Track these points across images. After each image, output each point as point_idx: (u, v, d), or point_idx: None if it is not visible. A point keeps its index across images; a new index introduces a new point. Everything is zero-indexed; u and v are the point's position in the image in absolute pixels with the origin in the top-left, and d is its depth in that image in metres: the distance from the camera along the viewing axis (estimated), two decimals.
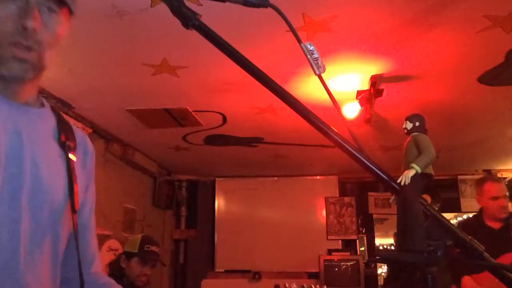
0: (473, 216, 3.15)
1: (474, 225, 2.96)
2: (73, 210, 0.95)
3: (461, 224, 3.19)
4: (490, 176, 3.40)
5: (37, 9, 0.86)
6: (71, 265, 0.97)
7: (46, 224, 0.90)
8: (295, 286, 1.13)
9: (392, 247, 5.72)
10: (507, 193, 2.92)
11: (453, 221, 5.79)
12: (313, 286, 1.12)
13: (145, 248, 2.64)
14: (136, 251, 2.62)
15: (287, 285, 1.13)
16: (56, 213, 0.92)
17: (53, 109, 1.02)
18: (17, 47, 0.85)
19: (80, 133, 1.07)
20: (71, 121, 3.74)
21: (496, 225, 2.89)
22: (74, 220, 0.95)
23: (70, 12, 0.94)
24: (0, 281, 0.81)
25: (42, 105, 0.99)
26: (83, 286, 0.93)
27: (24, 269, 0.84)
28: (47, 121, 0.98)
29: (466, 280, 2.70)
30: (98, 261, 1.11)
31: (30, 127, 0.91)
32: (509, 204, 3.03)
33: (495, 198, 2.89)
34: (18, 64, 0.86)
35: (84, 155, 1.06)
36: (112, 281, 1.12)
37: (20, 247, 0.84)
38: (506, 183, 5.56)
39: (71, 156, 0.98)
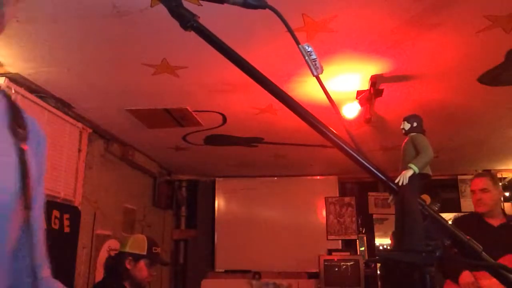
0: (472, 212, 3.16)
1: (472, 221, 2.95)
2: (27, 206, 0.82)
3: (459, 220, 3.18)
4: (478, 173, 3.47)
5: None
6: (19, 270, 0.84)
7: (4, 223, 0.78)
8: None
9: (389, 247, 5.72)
10: (487, 188, 2.93)
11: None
12: None
13: (153, 251, 2.65)
14: (145, 253, 2.62)
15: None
16: (5, 210, 0.79)
17: (2, 91, 0.90)
18: None
19: (31, 119, 0.94)
20: (71, 121, 3.70)
21: (495, 222, 2.88)
22: (27, 218, 0.83)
23: None
24: None
25: None
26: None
27: None
28: None
29: (465, 274, 2.69)
30: (47, 265, 0.97)
31: None
32: (508, 204, 3.04)
33: (472, 192, 2.99)
34: None
35: (37, 144, 0.93)
36: (62, 286, 0.98)
37: None
38: (506, 183, 5.56)
39: (22, 145, 0.85)
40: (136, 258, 2.60)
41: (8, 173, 0.81)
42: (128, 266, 2.59)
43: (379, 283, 5.54)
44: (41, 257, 0.93)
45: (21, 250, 0.85)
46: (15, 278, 0.85)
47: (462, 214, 3.43)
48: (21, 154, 0.84)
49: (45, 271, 0.94)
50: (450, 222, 3.50)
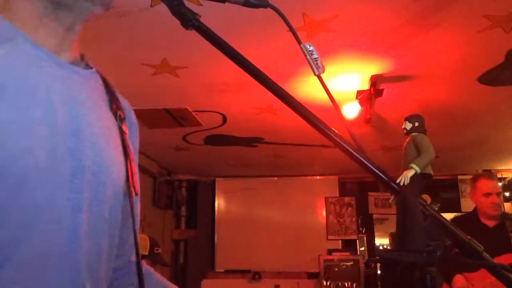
0: (468, 213, 3.14)
1: (468, 222, 2.94)
2: (130, 192, 0.78)
3: (455, 221, 3.16)
4: (484, 173, 3.38)
5: None
6: (122, 254, 0.82)
7: (109, 209, 0.73)
8: None
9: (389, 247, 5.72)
10: (501, 191, 2.90)
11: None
12: None
13: (155, 251, 2.67)
14: (147, 253, 2.64)
15: None
16: (117, 194, 0.75)
17: (96, 71, 0.83)
18: None
19: (125, 101, 0.89)
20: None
21: (490, 223, 2.87)
22: (131, 203, 0.78)
23: None
24: (59, 274, 0.63)
25: (88, 65, 0.81)
26: (141, 274, 0.78)
27: (85, 263, 0.68)
28: (97, 85, 0.80)
29: (458, 279, 2.70)
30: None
31: (83, 92, 0.73)
32: (508, 204, 3.02)
33: (487, 194, 2.86)
34: None
35: (131, 127, 0.88)
36: (151, 268, 0.98)
37: (80, 236, 0.66)
38: (506, 183, 5.56)
39: (124, 128, 0.80)
40: None
41: (118, 156, 0.75)
42: None
43: (379, 283, 5.54)
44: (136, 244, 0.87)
45: (124, 235, 0.83)
46: (119, 259, 0.83)
47: (460, 214, 3.37)
48: (123, 137, 0.79)
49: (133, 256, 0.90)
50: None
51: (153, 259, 2.65)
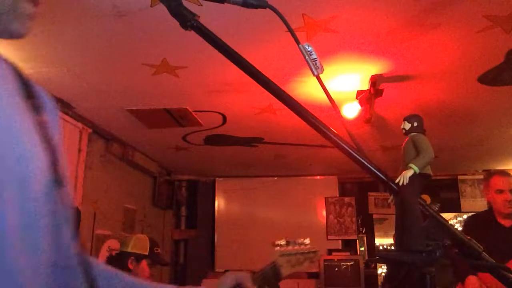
0: (484, 211, 3.05)
1: (484, 221, 2.84)
2: (60, 184, 0.73)
3: (471, 219, 3.08)
4: (497, 170, 3.27)
5: None
6: (60, 248, 0.77)
7: (33, 205, 0.69)
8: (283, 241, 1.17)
9: (392, 247, 5.71)
10: None
11: (453, 221, 5.79)
12: (301, 241, 1.18)
13: (155, 251, 2.67)
14: (147, 253, 2.63)
15: (277, 242, 1.18)
16: (41, 189, 0.71)
17: (6, 61, 0.80)
18: (34, 4, 0.75)
19: (39, 88, 0.84)
20: (71, 121, 3.69)
21: (507, 223, 2.78)
22: (61, 196, 0.74)
23: None
24: None
25: None
26: (85, 264, 0.74)
27: (15, 260, 0.65)
28: (6, 74, 0.77)
29: (471, 279, 2.65)
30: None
31: None
32: None
33: (500, 191, 2.78)
34: (29, 21, 0.75)
35: (52, 115, 0.83)
36: (94, 258, 0.94)
37: (7, 236, 0.63)
38: None
39: (43, 117, 0.76)
40: (139, 258, 2.61)
41: (35, 145, 0.71)
42: (131, 266, 2.59)
43: (383, 283, 5.54)
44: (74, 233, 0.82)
45: (60, 226, 0.76)
46: (59, 253, 0.78)
47: (476, 213, 3.25)
48: (43, 127, 0.75)
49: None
50: (464, 221, 3.34)
51: (153, 259, 2.65)
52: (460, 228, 5.93)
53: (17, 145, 0.68)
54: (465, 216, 5.93)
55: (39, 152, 0.71)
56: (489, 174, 2.99)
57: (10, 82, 0.76)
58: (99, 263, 0.96)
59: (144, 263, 2.60)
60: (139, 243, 2.67)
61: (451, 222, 4.90)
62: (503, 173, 2.94)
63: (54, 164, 0.73)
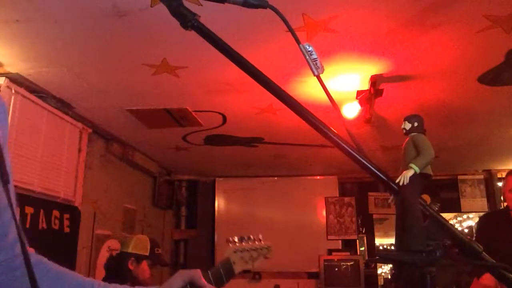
0: (500, 210, 3.04)
1: (498, 220, 2.83)
2: (4, 180, 0.73)
3: (485, 217, 3.06)
4: None
5: None
6: (3, 248, 0.78)
7: None
8: (235, 238, 1.19)
9: (392, 247, 5.71)
10: None
11: (453, 221, 5.80)
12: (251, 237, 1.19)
13: (155, 251, 2.66)
14: (148, 254, 2.63)
15: (231, 239, 1.19)
16: None
17: None
18: None
19: None
20: (71, 121, 3.69)
21: None
22: (6, 191, 0.73)
23: None
24: None
25: None
26: (29, 264, 0.71)
27: None
28: None
29: (486, 277, 2.64)
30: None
31: None
32: None
33: (511, 190, 2.79)
34: None
35: None
36: (43, 257, 0.92)
37: None
38: None
39: None
40: (139, 258, 2.61)
41: None
42: (131, 267, 2.59)
43: (387, 283, 5.54)
44: (13, 233, 0.82)
45: (4, 224, 0.77)
46: (2, 253, 0.79)
47: (492, 211, 3.22)
48: None
49: (18, 248, 0.84)
50: (479, 219, 3.32)
51: (154, 259, 2.65)
52: (465, 225, 5.91)
53: None
54: (465, 216, 5.95)
55: None
56: (508, 172, 2.98)
57: None
58: (48, 263, 0.93)
59: (144, 264, 2.60)
60: (139, 244, 2.66)
61: (451, 222, 4.90)
62: None
63: None
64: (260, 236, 1.25)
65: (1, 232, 0.78)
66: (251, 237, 1.24)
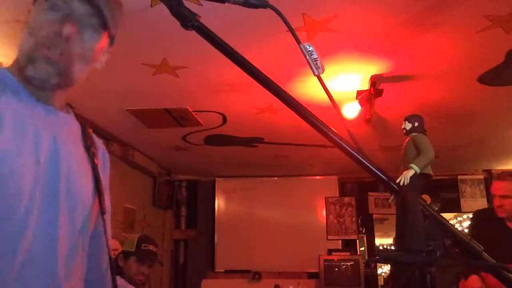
0: (488, 209, 3.04)
1: (491, 219, 2.81)
2: (102, 212, 0.97)
3: (480, 214, 3.07)
4: (499, 174, 3.25)
5: (78, 22, 0.88)
6: (93, 267, 0.99)
7: (80, 227, 0.92)
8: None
9: (392, 247, 5.71)
10: (509, 194, 2.73)
11: (453, 221, 5.79)
12: None
13: (142, 247, 2.64)
14: (134, 250, 2.62)
15: None
16: (86, 215, 0.94)
17: (76, 115, 1.06)
18: (48, 48, 0.86)
19: (98, 140, 1.12)
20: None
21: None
22: (103, 221, 0.97)
23: (110, 36, 1.02)
24: (38, 282, 0.81)
25: (68, 112, 1.02)
26: (115, 285, 0.97)
27: (63, 275, 0.85)
28: (74, 126, 1.02)
29: (473, 279, 2.66)
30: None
31: (62, 131, 0.94)
32: None
33: (493, 196, 2.83)
34: (45, 65, 0.86)
35: (103, 160, 1.11)
36: (129, 286, 1.19)
37: (58, 251, 0.85)
38: None
39: (96, 161, 1.02)
40: (126, 255, 2.63)
41: (87, 182, 0.97)
42: (121, 264, 2.60)
43: (387, 283, 5.53)
44: (107, 258, 1.06)
45: (96, 251, 1.01)
46: (92, 273, 1.01)
47: (484, 208, 3.21)
48: (95, 167, 1.00)
49: (109, 272, 1.09)
50: (472, 215, 3.34)
51: (140, 255, 2.61)
52: (465, 225, 5.91)
53: (78, 180, 0.94)
54: (465, 216, 5.94)
55: (89, 187, 0.97)
56: (493, 176, 3.00)
57: (77, 132, 1.02)
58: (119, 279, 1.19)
59: (131, 260, 2.61)
60: (128, 241, 2.71)
61: (451, 222, 4.88)
62: (501, 177, 2.94)
63: (99, 196, 0.99)
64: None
65: (96, 254, 1.02)
66: None
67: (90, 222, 0.97)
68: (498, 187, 2.82)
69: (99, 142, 1.11)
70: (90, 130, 1.09)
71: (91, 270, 1.00)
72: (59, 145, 0.90)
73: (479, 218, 3.05)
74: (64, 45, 0.87)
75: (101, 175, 1.03)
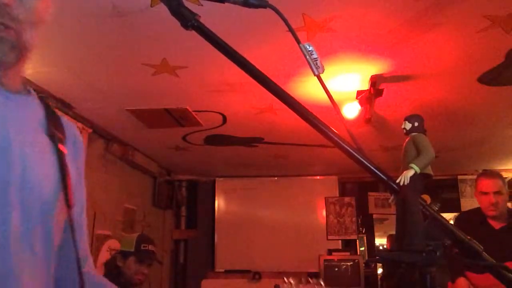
0: (474, 210, 3.04)
1: (475, 220, 2.83)
2: (68, 205, 0.86)
3: (462, 216, 3.08)
4: (485, 171, 3.24)
5: None
6: (65, 264, 0.90)
7: (37, 222, 0.83)
8: (292, 281, 1.12)
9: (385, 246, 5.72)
10: (501, 190, 2.78)
11: (453, 221, 5.78)
12: (310, 281, 1.11)
13: (141, 247, 2.64)
14: (133, 250, 2.62)
15: (286, 281, 1.11)
16: (47, 209, 0.84)
17: (40, 98, 0.94)
18: None
19: (69, 123, 0.99)
20: (72, 121, 3.72)
21: (496, 225, 2.79)
22: (69, 215, 0.87)
23: None
24: None
25: (29, 92, 0.91)
26: (83, 285, 0.86)
27: (18, 271, 0.77)
28: (34, 110, 0.90)
29: (460, 281, 2.66)
30: (90, 260, 1.05)
31: (16, 116, 0.83)
32: (508, 204, 2.91)
33: (483, 193, 2.81)
34: None
35: (74, 146, 0.98)
36: (106, 280, 1.06)
37: (10, 246, 0.76)
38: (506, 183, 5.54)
39: (61, 148, 0.89)
40: (125, 255, 2.62)
41: (48, 173, 0.85)
42: (119, 264, 2.60)
43: (381, 283, 5.54)
44: (84, 252, 0.98)
45: (66, 246, 0.90)
46: (62, 270, 0.91)
47: (466, 211, 3.23)
48: (60, 156, 0.88)
49: (88, 266, 1.01)
50: (453, 219, 3.35)
51: (140, 255, 2.62)
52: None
53: (37, 171, 0.82)
54: None
55: (52, 178, 0.85)
56: (478, 174, 3.01)
57: (37, 116, 0.90)
58: (99, 278, 1.07)
59: (130, 260, 2.61)
60: (126, 241, 2.70)
61: (451, 222, 4.89)
62: (490, 175, 2.92)
63: (64, 188, 0.86)
64: (321, 280, 1.13)
65: (64, 249, 0.92)
66: (311, 280, 1.14)
67: (57, 216, 0.86)
68: (490, 184, 2.80)
69: (70, 126, 0.98)
70: (62, 114, 0.98)
71: (60, 266, 0.90)
72: (11, 132, 0.79)
73: (461, 220, 3.05)
74: (6, 16, 0.79)
75: (70, 164, 0.91)
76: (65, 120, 0.97)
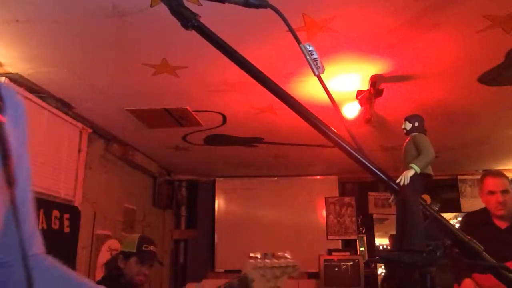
0: (480, 210, 3.01)
1: (480, 221, 2.80)
2: (10, 183, 0.76)
3: (467, 218, 3.06)
4: (491, 171, 3.20)
5: None
6: (8, 248, 0.81)
7: None
8: (258, 255, 1.09)
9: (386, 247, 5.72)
10: (510, 189, 2.73)
11: (453, 221, 5.79)
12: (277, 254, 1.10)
13: (143, 248, 2.64)
14: (134, 251, 2.61)
15: (253, 255, 1.09)
16: None
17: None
18: None
19: (7, 89, 0.87)
20: (71, 121, 3.69)
21: (502, 225, 2.75)
22: (11, 194, 0.76)
23: None
24: None
25: None
26: (29, 272, 0.74)
27: None
28: None
29: (466, 282, 2.65)
30: (39, 241, 0.93)
31: None
32: None
33: (491, 192, 2.76)
34: None
35: (15, 113, 0.87)
36: (57, 262, 0.95)
37: None
38: None
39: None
40: (127, 256, 2.62)
41: None
42: (120, 265, 2.60)
43: (381, 283, 5.53)
44: (29, 233, 0.88)
45: (10, 227, 0.78)
46: (6, 254, 0.82)
47: (473, 211, 3.20)
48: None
49: (37, 248, 0.91)
50: (454, 219, 3.33)
51: (141, 256, 2.62)
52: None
53: None
54: None
55: None
56: (483, 174, 2.98)
57: None
58: (48, 261, 0.95)
59: (132, 261, 2.60)
60: (128, 241, 2.70)
61: (451, 222, 4.89)
62: (496, 174, 2.88)
63: (4, 164, 0.74)
64: (287, 254, 1.13)
65: (7, 230, 0.80)
66: (277, 254, 1.14)
67: None
68: (497, 183, 2.77)
69: (9, 92, 0.86)
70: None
71: (8, 252, 0.82)
72: None
73: (467, 221, 3.03)
74: None
75: (12, 133, 0.80)
76: (3, 86, 0.86)
